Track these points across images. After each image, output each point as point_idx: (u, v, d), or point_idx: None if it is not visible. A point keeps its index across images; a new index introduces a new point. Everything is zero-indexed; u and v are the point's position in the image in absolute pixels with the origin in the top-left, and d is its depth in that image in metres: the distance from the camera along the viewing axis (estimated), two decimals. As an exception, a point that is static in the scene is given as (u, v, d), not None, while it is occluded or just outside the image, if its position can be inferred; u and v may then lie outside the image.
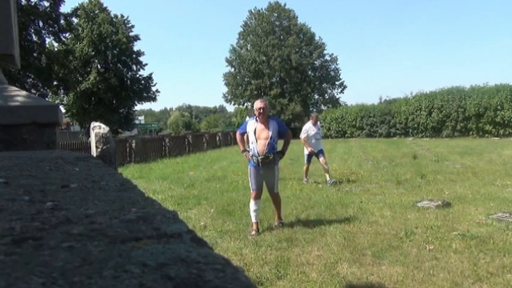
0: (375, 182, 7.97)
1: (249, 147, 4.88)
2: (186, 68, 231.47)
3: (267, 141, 4.66)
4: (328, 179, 7.96)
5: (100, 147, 2.06)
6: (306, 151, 8.45)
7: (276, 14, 37.52)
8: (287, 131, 4.95)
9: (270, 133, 4.67)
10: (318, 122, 8.66)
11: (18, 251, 0.40)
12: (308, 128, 8.35)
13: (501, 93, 21.86)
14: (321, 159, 8.20)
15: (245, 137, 5.24)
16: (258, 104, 4.76)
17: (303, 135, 8.33)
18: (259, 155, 4.67)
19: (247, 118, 5.58)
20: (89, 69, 29.28)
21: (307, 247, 4.06)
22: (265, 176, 4.77)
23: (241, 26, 39.07)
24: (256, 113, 4.72)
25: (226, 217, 5.46)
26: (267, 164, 4.70)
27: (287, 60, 35.28)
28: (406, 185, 7.51)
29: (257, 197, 4.78)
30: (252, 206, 4.77)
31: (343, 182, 8.15)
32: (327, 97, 38.90)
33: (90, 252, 0.39)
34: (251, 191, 4.84)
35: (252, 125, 4.77)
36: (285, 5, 37.72)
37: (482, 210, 5.26)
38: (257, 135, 4.69)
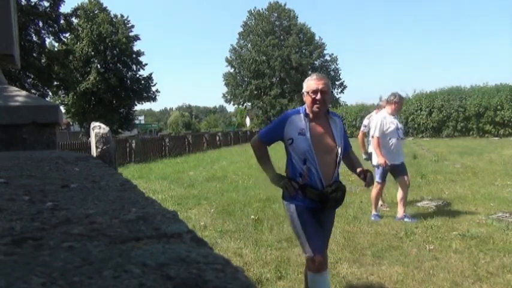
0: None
1: (289, 169, 2.50)
2: (186, 68, 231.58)
3: (335, 156, 2.45)
4: (400, 215, 5.02)
5: (100, 147, 2.06)
6: (375, 161, 5.17)
7: (276, 14, 37.55)
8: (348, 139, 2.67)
9: (337, 141, 2.45)
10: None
11: (18, 251, 0.40)
12: (382, 121, 5.03)
13: (501, 93, 21.87)
14: (404, 178, 5.04)
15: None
16: (314, 82, 2.42)
17: (376, 132, 5.01)
18: (325, 185, 2.40)
19: (286, 111, 2.76)
20: (88, 69, 29.32)
21: (307, 247, 4.06)
22: (322, 224, 2.54)
23: (241, 26, 39.11)
24: (309, 98, 2.40)
25: (226, 217, 5.46)
26: (336, 203, 2.49)
27: (287, 60, 35.31)
28: (406, 185, 7.50)
29: (324, 265, 2.47)
30: (320, 284, 2.45)
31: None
32: (327, 97, 38.88)
33: (90, 252, 0.40)
34: (308, 254, 2.43)
35: (299, 124, 2.42)
36: (285, 5, 37.77)
37: (482, 210, 5.26)
38: (314, 144, 2.38)
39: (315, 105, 2.39)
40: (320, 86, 2.39)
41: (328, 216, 2.59)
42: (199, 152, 18.88)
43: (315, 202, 2.41)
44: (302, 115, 2.45)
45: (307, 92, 2.43)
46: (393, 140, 4.99)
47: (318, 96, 2.37)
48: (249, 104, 38.30)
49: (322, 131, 2.46)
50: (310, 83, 2.44)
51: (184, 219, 0.57)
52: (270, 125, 2.69)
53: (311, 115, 2.44)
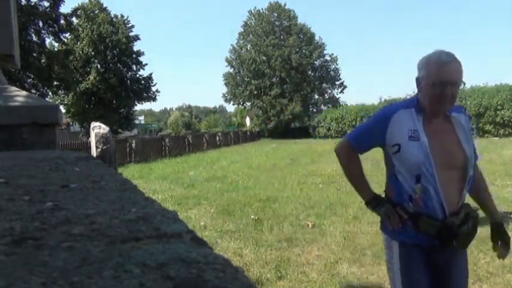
0: (375, 182, 7.94)
1: (392, 189, 1.74)
2: (186, 68, 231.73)
3: (463, 172, 1.65)
4: None
5: (100, 147, 2.06)
6: None
7: (276, 14, 37.53)
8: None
9: (466, 149, 1.65)
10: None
11: (18, 251, 0.40)
12: None
13: (501, 93, 21.89)
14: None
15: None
16: (443, 68, 1.54)
17: None
18: (448, 213, 1.61)
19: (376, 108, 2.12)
20: (89, 69, 29.29)
21: (307, 247, 4.06)
22: (447, 274, 1.70)
23: (241, 26, 39.11)
24: (432, 92, 1.58)
25: (226, 217, 5.46)
26: (467, 239, 1.65)
27: (287, 60, 35.29)
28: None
29: None
30: None
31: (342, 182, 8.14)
32: (326, 97, 38.93)
33: (90, 252, 0.40)
34: None
35: (409, 123, 1.66)
36: (285, 5, 37.73)
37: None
38: (434, 154, 1.61)
39: (439, 102, 1.59)
40: (451, 76, 1.55)
41: (456, 263, 1.71)
42: (199, 152, 18.89)
43: (432, 238, 1.63)
44: (413, 111, 1.66)
45: (430, 84, 1.58)
46: None
47: (447, 91, 1.55)
48: (249, 104, 38.32)
49: (443, 135, 1.66)
50: (436, 70, 1.57)
51: (184, 219, 0.57)
52: (366, 123, 1.89)
53: (428, 112, 1.65)
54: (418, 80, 1.68)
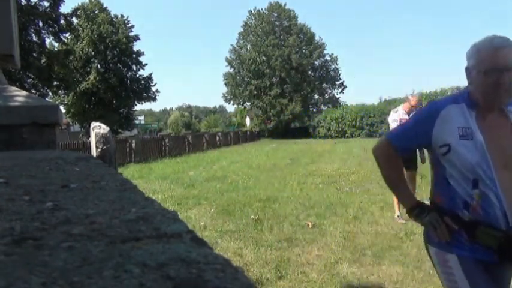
0: (375, 182, 7.97)
1: (440, 194, 1.54)
2: (186, 67, 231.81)
3: None
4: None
5: (100, 147, 2.06)
6: None
7: (276, 14, 37.54)
8: None
9: None
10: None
11: (18, 251, 0.40)
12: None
13: (501, 93, 21.93)
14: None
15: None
16: (499, 52, 1.35)
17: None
18: (510, 224, 1.37)
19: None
20: (88, 69, 29.31)
21: (307, 247, 4.06)
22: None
23: (241, 26, 39.12)
24: (487, 81, 1.38)
25: (226, 217, 5.46)
26: None
27: (287, 60, 35.30)
28: (406, 185, 7.51)
29: None
30: None
31: (343, 182, 8.15)
32: (327, 97, 38.96)
33: (90, 252, 0.40)
34: None
35: (460, 120, 1.45)
36: (285, 5, 37.74)
37: (482, 210, 5.25)
38: (492, 155, 1.39)
39: (495, 92, 1.38)
40: (507, 61, 1.35)
41: (507, 278, 1.55)
42: (199, 152, 18.89)
43: (490, 252, 1.42)
44: (464, 106, 1.47)
45: (482, 71, 1.39)
46: None
47: (504, 79, 1.35)
48: (249, 104, 38.33)
49: (501, 132, 1.45)
50: (489, 55, 1.38)
51: (184, 219, 0.57)
52: (409, 121, 1.68)
53: (482, 105, 1.45)
54: (467, 70, 1.49)
